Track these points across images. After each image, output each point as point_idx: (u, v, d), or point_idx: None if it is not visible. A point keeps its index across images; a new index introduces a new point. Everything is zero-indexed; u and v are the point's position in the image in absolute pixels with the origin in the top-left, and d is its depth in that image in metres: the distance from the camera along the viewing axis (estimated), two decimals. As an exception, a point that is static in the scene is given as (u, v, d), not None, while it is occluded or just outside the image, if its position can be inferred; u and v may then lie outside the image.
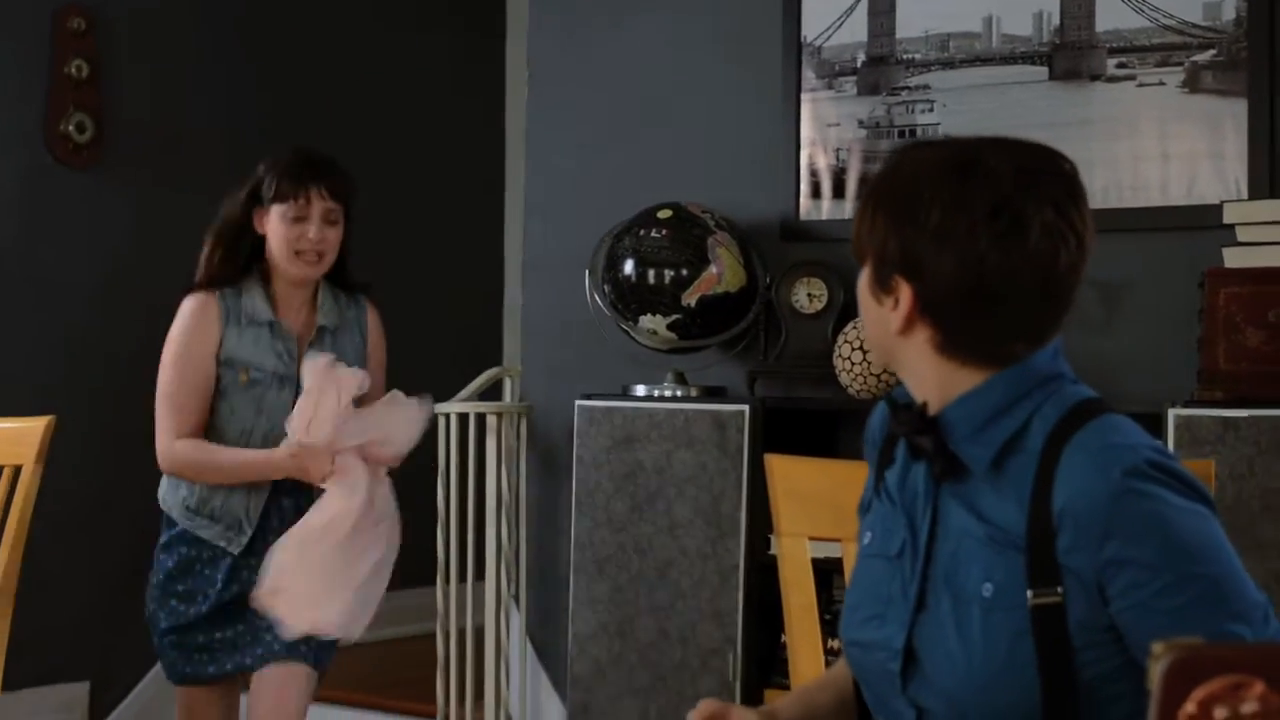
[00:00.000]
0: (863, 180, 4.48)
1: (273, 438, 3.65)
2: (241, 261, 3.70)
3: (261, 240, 3.69)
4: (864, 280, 1.90)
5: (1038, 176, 1.80)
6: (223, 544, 3.67)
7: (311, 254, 3.65)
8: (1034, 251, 1.77)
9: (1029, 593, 1.75)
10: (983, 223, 1.76)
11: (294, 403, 3.64)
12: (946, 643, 1.81)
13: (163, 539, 3.77)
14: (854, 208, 1.96)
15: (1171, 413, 3.63)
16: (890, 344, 1.89)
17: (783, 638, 2.52)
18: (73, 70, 4.97)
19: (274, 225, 3.65)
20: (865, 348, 1.99)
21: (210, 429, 3.69)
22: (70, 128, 4.95)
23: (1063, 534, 1.74)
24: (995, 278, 1.77)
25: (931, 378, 1.87)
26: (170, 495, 3.78)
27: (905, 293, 1.83)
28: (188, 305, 3.70)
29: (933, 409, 1.87)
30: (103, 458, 5.10)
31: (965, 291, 1.78)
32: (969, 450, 1.83)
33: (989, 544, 1.80)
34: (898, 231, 1.82)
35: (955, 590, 1.82)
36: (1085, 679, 1.76)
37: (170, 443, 3.67)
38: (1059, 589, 1.74)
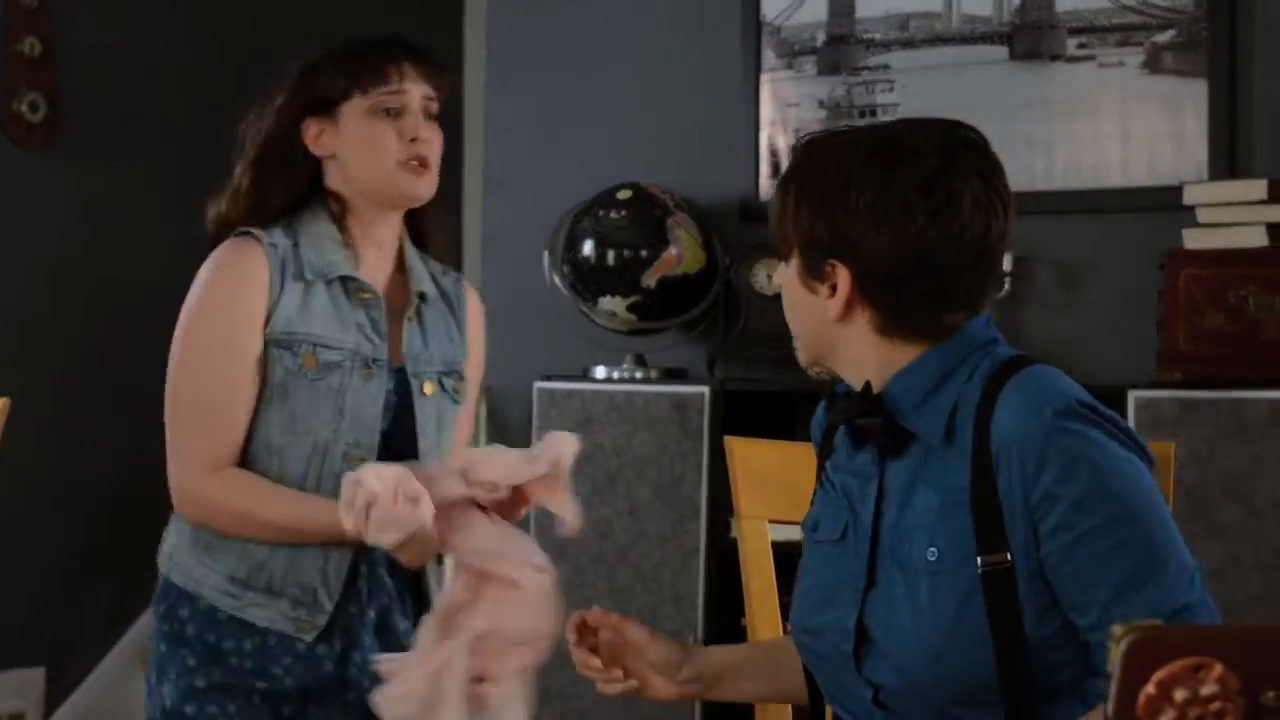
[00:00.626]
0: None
1: (353, 459, 2.48)
2: (295, 190, 2.60)
3: (313, 172, 2.61)
4: (791, 273, 1.91)
5: (958, 151, 1.83)
6: (288, 629, 2.50)
7: (415, 162, 2.55)
8: (967, 223, 1.81)
9: (978, 560, 1.77)
10: (916, 200, 1.80)
11: (387, 406, 2.55)
12: (898, 615, 1.83)
13: (167, 618, 2.56)
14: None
15: (1132, 394, 3.63)
16: (826, 333, 1.90)
17: (743, 621, 2.52)
18: (25, 48, 4.92)
19: (353, 132, 2.55)
20: (799, 356, 1.98)
21: (255, 448, 2.52)
22: (23, 107, 4.90)
23: (1000, 474, 1.77)
24: (934, 251, 1.81)
25: (872, 360, 1.89)
26: (190, 559, 2.54)
27: (843, 276, 1.85)
28: (218, 258, 2.55)
29: (875, 388, 1.89)
30: (55, 441, 5.06)
31: (904, 268, 1.82)
32: (918, 423, 1.86)
33: (940, 510, 1.82)
34: (828, 217, 1.84)
35: (902, 563, 1.84)
36: (1033, 644, 1.77)
37: (200, 478, 2.48)
38: (1007, 555, 1.76)
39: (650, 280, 4.35)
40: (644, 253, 4.35)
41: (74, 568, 5.04)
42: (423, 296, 2.63)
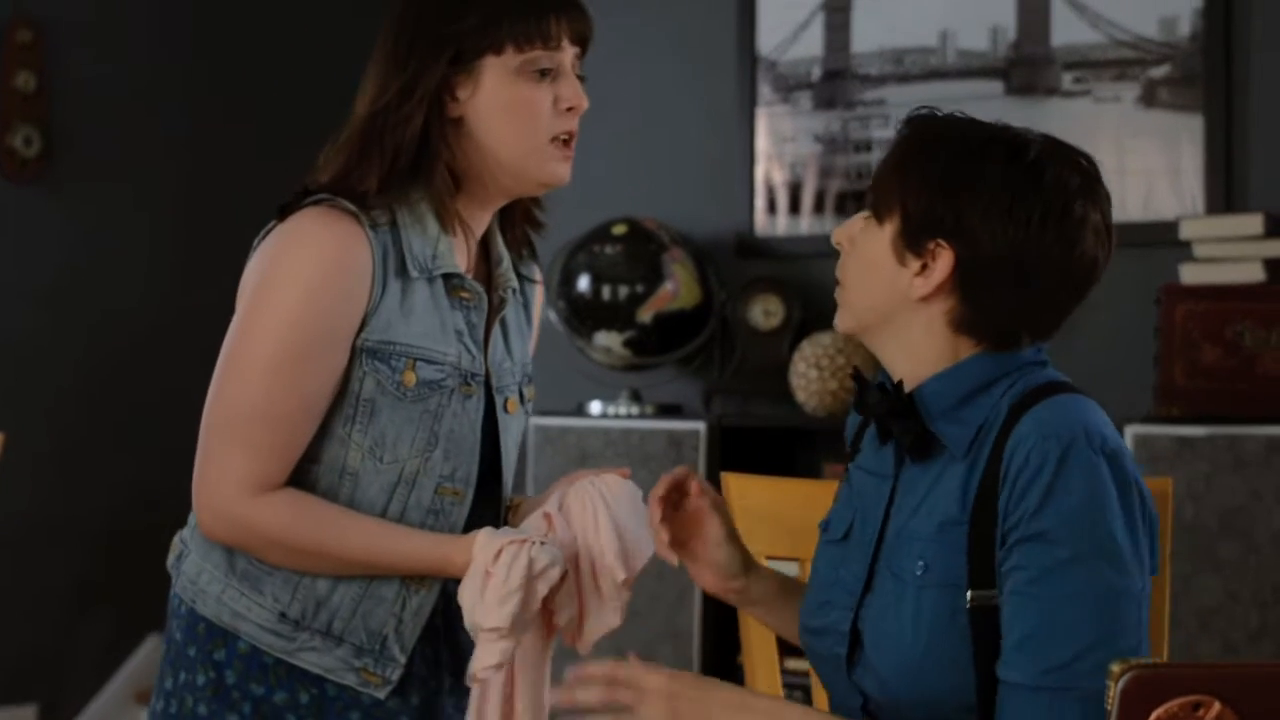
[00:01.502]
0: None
1: (445, 492, 2.11)
2: (408, 159, 2.07)
3: (427, 145, 2.08)
4: (883, 237, 1.84)
5: (1094, 181, 1.84)
6: (350, 680, 2.09)
7: (565, 139, 2.12)
8: (1086, 251, 1.82)
9: (969, 593, 1.74)
10: (1052, 215, 1.79)
11: (487, 428, 2.16)
12: (887, 625, 1.81)
13: (201, 665, 2.11)
14: (880, 162, 1.91)
15: (1129, 430, 3.62)
16: (895, 307, 1.84)
17: (739, 659, 2.50)
18: (20, 83, 4.93)
19: (497, 94, 2.07)
20: (839, 318, 1.92)
21: (323, 469, 2.09)
22: (17, 141, 4.90)
23: (1002, 492, 1.74)
24: (1049, 268, 1.80)
25: (926, 350, 1.84)
26: (226, 589, 2.10)
27: (945, 260, 1.80)
28: (306, 232, 2.04)
29: (908, 386, 1.85)
30: (49, 475, 5.04)
31: (1014, 274, 1.79)
32: (946, 429, 1.82)
33: (939, 526, 1.79)
34: (952, 198, 1.79)
35: (896, 571, 1.82)
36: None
37: (240, 500, 2.03)
38: (997, 591, 1.73)
39: (646, 315, 4.34)
40: (640, 288, 4.34)
41: (67, 603, 5.02)
42: (510, 293, 2.22)
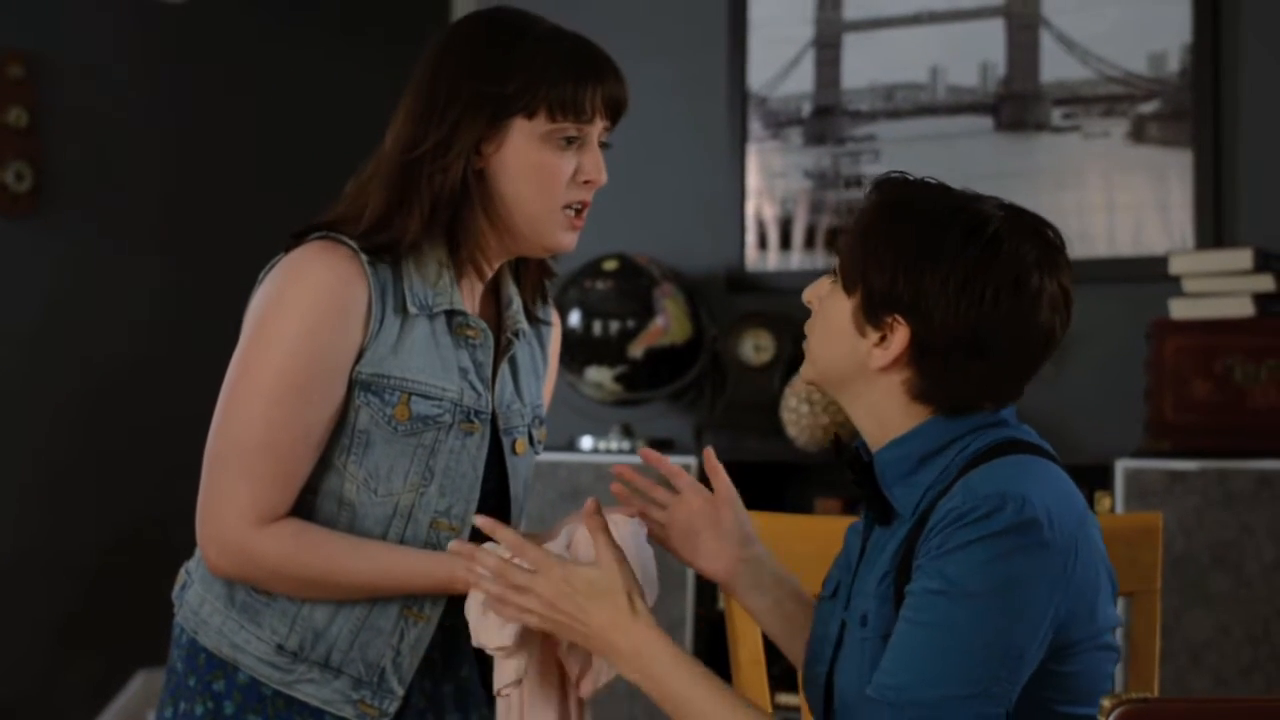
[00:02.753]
0: (822, 227, 4.46)
1: (441, 526, 2.12)
2: (433, 219, 2.09)
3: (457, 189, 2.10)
4: (846, 306, 1.88)
5: (1052, 252, 1.85)
6: (347, 712, 2.10)
7: (577, 209, 2.15)
8: (1043, 322, 1.84)
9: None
10: (1006, 291, 1.81)
11: (495, 467, 2.18)
12: (848, 676, 1.84)
13: (200, 695, 2.13)
14: (847, 225, 1.93)
15: (1119, 464, 3.63)
16: (854, 373, 1.88)
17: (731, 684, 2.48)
18: (12, 119, 4.93)
19: (520, 155, 2.09)
20: (804, 369, 1.96)
21: (322, 499, 2.11)
22: (9, 177, 4.90)
23: (920, 547, 1.77)
24: (1005, 343, 1.82)
25: (888, 416, 1.87)
26: (225, 620, 2.12)
27: (901, 335, 1.83)
28: (306, 268, 2.07)
29: (874, 448, 1.89)
30: (36, 510, 5.03)
31: (969, 350, 1.81)
32: (898, 493, 1.85)
33: (880, 581, 1.82)
34: (914, 277, 1.82)
35: (853, 625, 1.86)
36: None
37: (246, 532, 2.04)
38: None
39: (637, 350, 4.34)
40: (631, 323, 4.34)
41: (55, 640, 5.00)
42: (518, 335, 2.21)
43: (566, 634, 1.95)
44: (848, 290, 1.87)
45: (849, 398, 1.91)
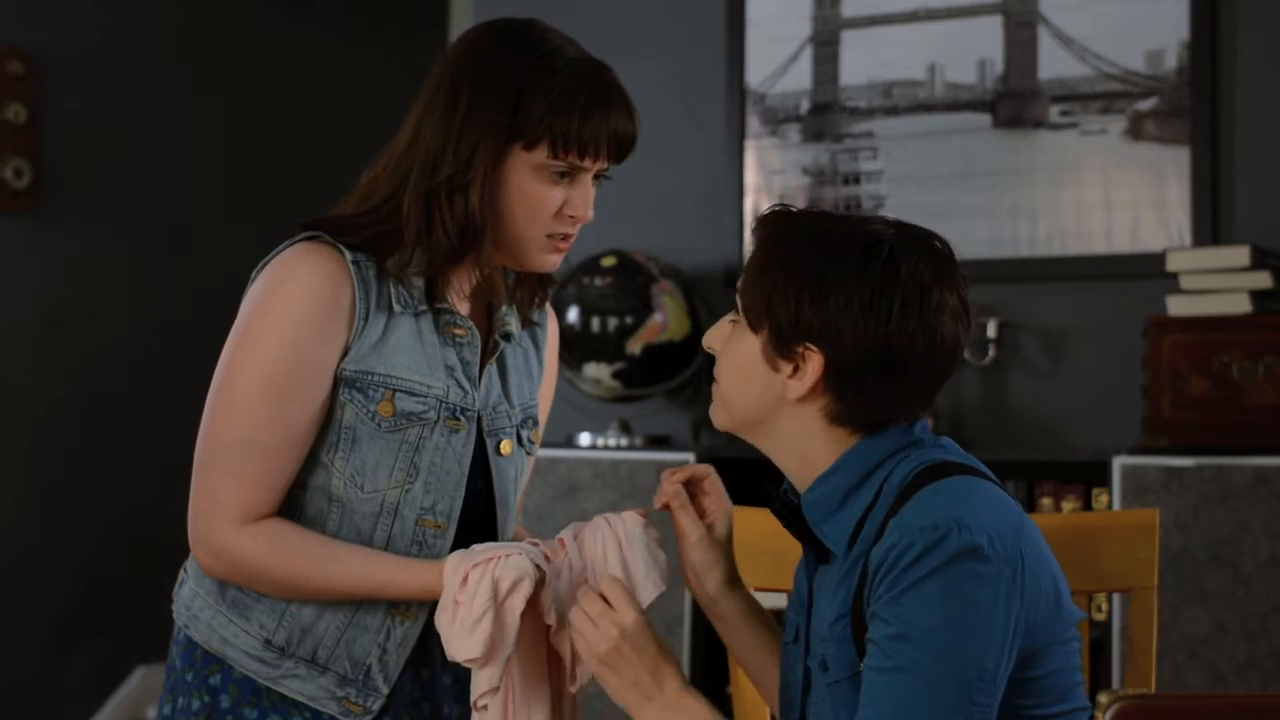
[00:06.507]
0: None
1: (427, 524, 2.15)
2: (444, 233, 2.10)
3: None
4: (754, 344, 1.90)
5: (947, 266, 1.88)
6: (332, 708, 2.13)
7: (562, 238, 2.17)
8: (946, 334, 1.87)
9: (862, 665, 1.78)
10: (910, 307, 1.84)
11: (474, 463, 2.19)
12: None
13: (196, 690, 2.16)
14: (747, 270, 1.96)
15: (1116, 461, 3.63)
16: (771, 409, 1.91)
17: (728, 689, 2.50)
18: (11, 115, 4.93)
19: (515, 180, 2.10)
20: (717, 416, 2.00)
21: (311, 494, 2.14)
22: (7, 173, 4.91)
23: (869, 585, 1.78)
24: (913, 357, 1.85)
25: (807, 449, 1.91)
26: (215, 615, 2.15)
27: (815, 363, 1.86)
28: (290, 268, 2.09)
29: (800, 488, 1.92)
30: (31, 508, 5.03)
31: (879, 368, 1.84)
32: (828, 531, 1.88)
33: (833, 622, 1.85)
34: (819, 305, 1.85)
35: (816, 670, 1.88)
36: None
37: (228, 531, 2.07)
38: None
39: (635, 347, 4.34)
40: (629, 319, 4.34)
41: (54, 636, 5.00)
42: (507, 336, 2.24)
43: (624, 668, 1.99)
44: (753, 327, 1.90)
45: (767, 438, 1.94)
